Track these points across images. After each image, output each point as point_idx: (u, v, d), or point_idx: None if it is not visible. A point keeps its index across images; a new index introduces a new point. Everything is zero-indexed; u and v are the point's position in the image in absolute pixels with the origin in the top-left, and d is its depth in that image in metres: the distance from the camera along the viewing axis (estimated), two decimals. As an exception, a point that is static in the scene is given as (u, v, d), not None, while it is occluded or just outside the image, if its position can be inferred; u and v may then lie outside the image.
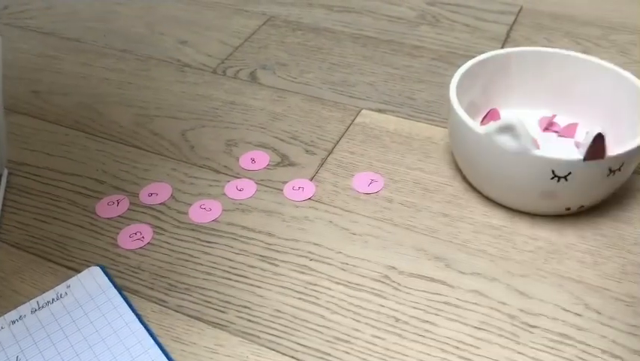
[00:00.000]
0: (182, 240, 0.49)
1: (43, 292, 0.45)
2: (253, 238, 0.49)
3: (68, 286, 0.45)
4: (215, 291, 0.45)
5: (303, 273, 0.46)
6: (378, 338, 0.41)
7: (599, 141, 0.43)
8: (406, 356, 0.40)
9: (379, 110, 0.62)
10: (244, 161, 0.56)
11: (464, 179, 0.53)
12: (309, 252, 0.47)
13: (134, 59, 0.71)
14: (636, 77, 0.52)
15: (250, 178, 0.54)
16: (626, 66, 0.66)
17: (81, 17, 0.80)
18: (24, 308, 0.43)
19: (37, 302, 0.44)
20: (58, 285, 0.45)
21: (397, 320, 0.42)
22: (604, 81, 0.53)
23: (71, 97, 0.65)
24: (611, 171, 0.45)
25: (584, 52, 0.69)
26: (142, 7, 0.82)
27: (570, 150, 0.53)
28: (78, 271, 0.46)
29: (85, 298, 0.44)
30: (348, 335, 0.42)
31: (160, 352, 0.40)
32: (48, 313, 0.43)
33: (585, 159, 0.43)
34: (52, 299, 0.44)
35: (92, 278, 0.45)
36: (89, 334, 0.42)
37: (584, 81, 0.55)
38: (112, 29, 0.77)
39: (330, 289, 0.45)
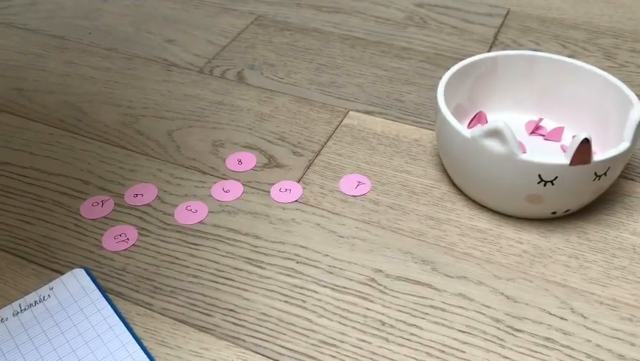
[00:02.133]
0: (167, 242, 0.48)
1: (26, 295, 0.44)
2: (239, 241, 0.48)
3: (51, 289, 0.44)
4: (201, 294, 0.44)
5: (289, 276, 0.46)
6: (365, 341, 0.41)
7: (584, 145, 0.43)
8: (392, 360, 0.40)
9: (367, 112, 0.61)
10: (231, 162, 0.55)
11: (451, 182, 0.53)
12: (296, 255, 0.47)
13: (120, 58, 0.70)
14: (622, 81, 0.52)
15: (237, 180, 0.54)
16: (611, 70, 0.67)
17: (66, 14, 0.79)
18: (6, 311, 0.43)
19: (20, 305, 0.43)
20: (41, 287, 0.44)
21: (383, 323, 0.42)
22: (590, 85, 0.54)
23: (56, 95, 0.65)
24: (597, 176, 0.45)
25: (571, 55, 0.69)
26: (128, 5, 0.81)
27: (556, 154, 0.54)
28: (62, 273, 0.46)
29: (68, 301, 0.43)
30: (335, 339, 0.41)
31: (144, 356, 0.40)
32: (30, 316, 0.42)
33: (571, 163, 0.44)
34: (35, 302, 0.43)
35: (76, 280, 0.45)
36: (72, 337, 0.41)
37: (570, 85, 0.55)
38: (98, 27, 0.76)
39: (316, 292, 0.44)
